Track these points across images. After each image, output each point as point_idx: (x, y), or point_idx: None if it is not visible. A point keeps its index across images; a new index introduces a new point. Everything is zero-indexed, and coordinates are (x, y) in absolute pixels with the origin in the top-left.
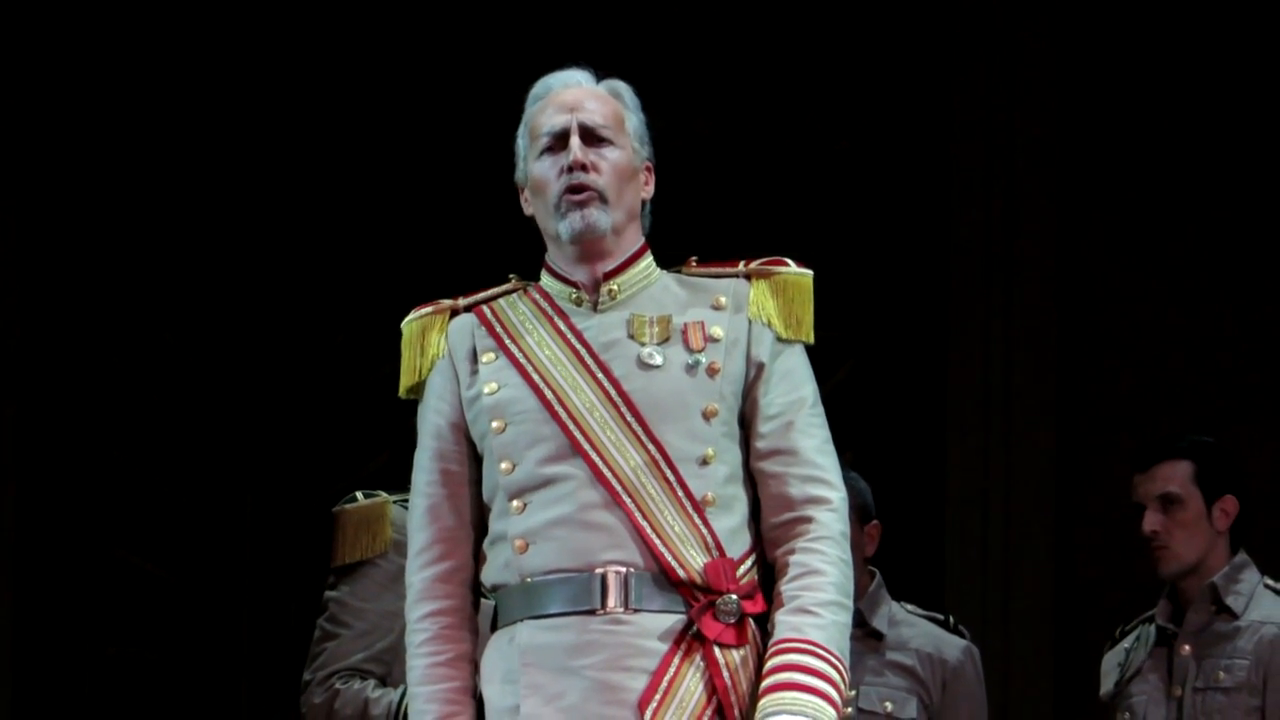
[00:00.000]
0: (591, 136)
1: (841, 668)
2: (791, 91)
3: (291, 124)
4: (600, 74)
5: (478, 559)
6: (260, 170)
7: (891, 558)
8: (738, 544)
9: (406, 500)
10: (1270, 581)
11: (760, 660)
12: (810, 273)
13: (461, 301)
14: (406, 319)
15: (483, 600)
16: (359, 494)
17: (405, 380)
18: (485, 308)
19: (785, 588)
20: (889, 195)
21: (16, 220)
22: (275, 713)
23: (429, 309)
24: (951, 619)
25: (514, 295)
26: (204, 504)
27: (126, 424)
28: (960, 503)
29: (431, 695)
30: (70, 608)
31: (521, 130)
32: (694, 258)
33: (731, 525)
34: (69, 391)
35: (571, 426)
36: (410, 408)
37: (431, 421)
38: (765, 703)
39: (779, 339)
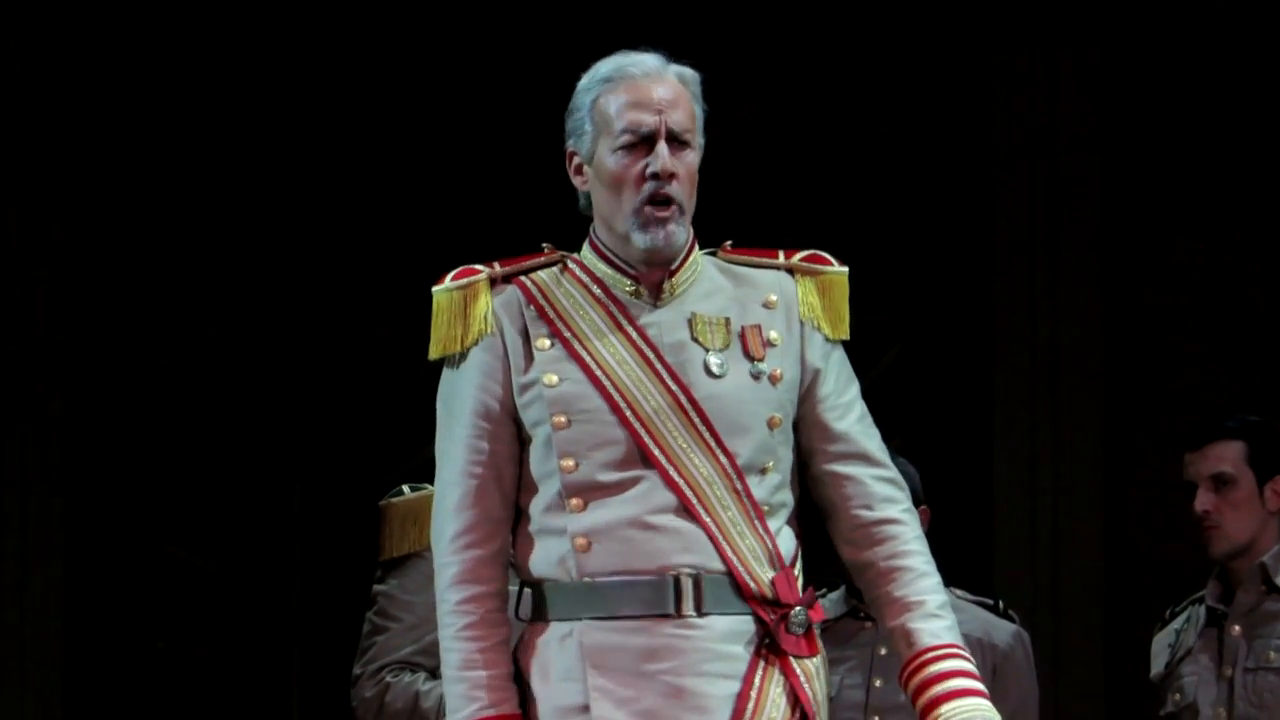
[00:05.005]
0: (674, 140)
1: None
2: (834, 77)
3: (336, 119)
4: (668, 57)
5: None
6: (305, 165)
7: (939, 542)
8: (786, 548)
9: None
10: None
11: (827, 667)
12: (847, 269)
13: (499, 270)
14: (443, 286)
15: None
16: (405, 487)
17: (442, 348)
18: (528, 282)
19: (900, 592)
20: (933, 179)
21: (62, 217)
22: (325, 707)
23: (469, 278)
24: (1001, 603)
25: (554, 270)
26: (252, 499)
27: (174, 420)
28: (1008, 486)
29: (479, 682)
30: (120, 603)
31: (586, 106)
32: (729, 242)
33: (778, 528)
34: (117, 388)
35: (642, 433)
36: None
37: (480, 400)
38: (949, 710)
39: (826, 339)
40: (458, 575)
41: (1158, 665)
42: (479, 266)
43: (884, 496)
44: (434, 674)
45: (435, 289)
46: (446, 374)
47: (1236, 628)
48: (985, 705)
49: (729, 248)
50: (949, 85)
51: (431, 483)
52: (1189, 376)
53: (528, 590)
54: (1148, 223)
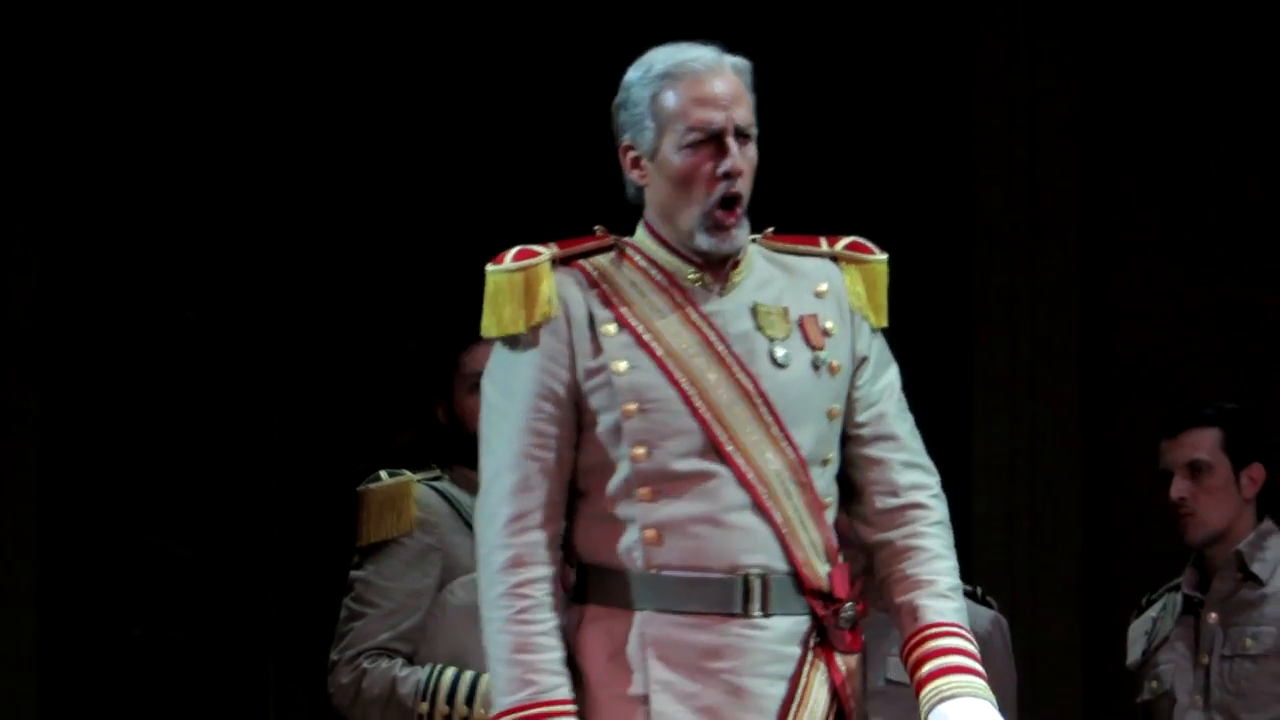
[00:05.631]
0: (740, 136)
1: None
2: (811, 63)
3: (312, 103)
4: (723, 47)
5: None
6: (283, 149)
7: None
8: (835, 541)
9: (432, 479)
10: None
11: (862, 660)
12: (887, 256)
13: (558, 252)
14: (502, 265)
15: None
16: (383, 474)
17: (503, 328)
18: (588, 266)
19: (912, 570)
20: (911, 167)
21: (40, 199)
22: (302, 693)
23: (531, 259)
24: (979, 590)
25: (611, 255)
26: (229, 485)
27: (151, 405)
28: (987, 473)
29: (535, 665)
30: (96, 589)
31: (644, 100)
32: (770, 229)
33: (831, 521)
34: (92, 372)
35: (714, 424)
36: (431, 388)
37: (543, 383)
38: (941, 685)
39: (872, 328)
40: (513, 559)
41: (1134, 653)
42: (538, 248)
43: (911, 483)
44: (411, 660)
45: (493, 268)
46: (502, 355)
47: (1213, 615)
48: (981, 685)
49: (771, 234)
50: (928, 72)
51: (409, 469)
52: (1166, 364)
53: (579, 571)
54: (1126, 210)
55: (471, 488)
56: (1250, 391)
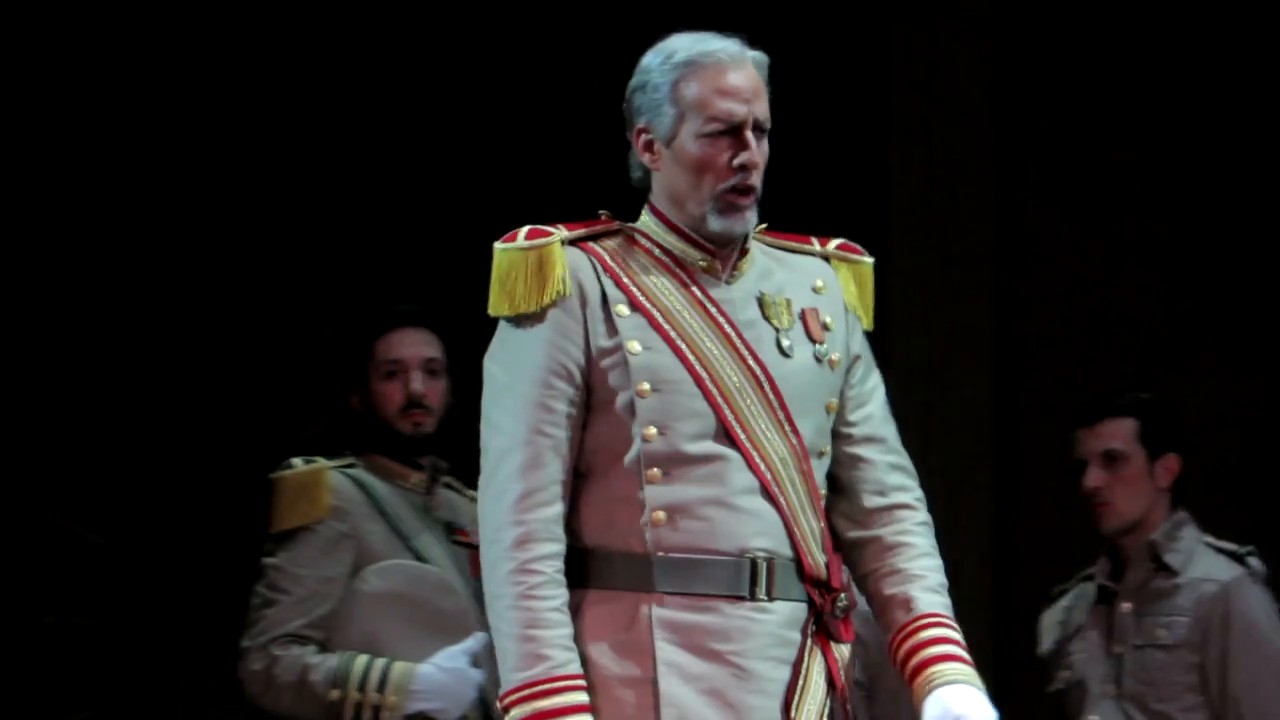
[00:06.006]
0: (758, 129)
1: None
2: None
3: (236, 90)
4: (746, 40)
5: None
6: (201, 136)
7: None
8: (829, 531)
9: (345, 466)
10: (1209, 539)
11: (854, 652)
12: (874, 259)
13: (568, 234)
14: (514, 244)
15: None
16: (297, 460)
17: (515, 306)
18: (599, 249)
19: (903, 564)
20: (826, 154)
21: None
22: (214, 680)
23: (543, 238)
24: None
25: (619, 239)
26: (141, 470)
27: (62, 389)
28: None
29: (548, 641)
30: (6, 575)
31: (665, 87)
32: (764, 225)
33: (824, 511)
34: (2, 357)
35: (725, 408)
36: (345, 376)
37: (555, 360)
38: (938, 670)
39: (862, 328)
40: (525, 535)
41: (1047, 642)
42: (549, 228)
43: (897, 484)
44: (324, 647)
45: (503, 246)
46: (510, 334)
47: (1126, 605)
48: (974, 674)
49: (763, 230)
50: (844, 60)
51: (323, 456)
52: (1080, 354)
53: (577, 555)
54: (1040, 198)
55: (385, 475)
56: (1165, 382)
